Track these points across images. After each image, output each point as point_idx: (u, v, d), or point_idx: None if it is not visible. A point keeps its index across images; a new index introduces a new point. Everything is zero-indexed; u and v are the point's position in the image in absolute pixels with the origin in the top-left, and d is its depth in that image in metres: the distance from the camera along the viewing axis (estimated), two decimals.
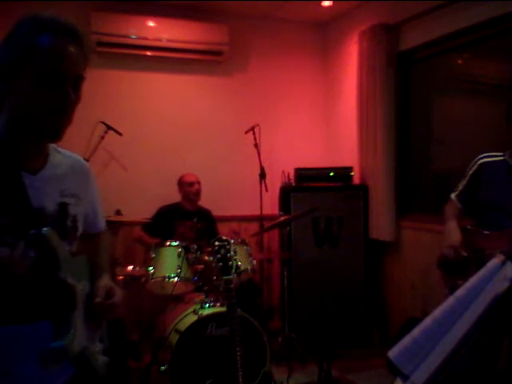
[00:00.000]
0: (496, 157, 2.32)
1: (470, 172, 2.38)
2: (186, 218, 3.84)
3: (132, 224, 3.98)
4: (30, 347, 1.15)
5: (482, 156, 2.36)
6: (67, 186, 1.27)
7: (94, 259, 1.41)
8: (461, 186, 2.44)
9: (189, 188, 3.92)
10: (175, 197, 3.99)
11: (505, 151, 2.30)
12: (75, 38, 1.14)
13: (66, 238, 1.23)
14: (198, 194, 3.95)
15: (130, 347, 3.37)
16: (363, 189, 4.08)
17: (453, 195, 2.47)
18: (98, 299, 1.25)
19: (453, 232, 2.31)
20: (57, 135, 1.18)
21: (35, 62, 1.10)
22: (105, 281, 1.35)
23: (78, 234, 1.31)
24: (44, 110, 1.12)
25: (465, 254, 2.21)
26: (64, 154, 1.32)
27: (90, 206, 1.40)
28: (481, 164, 2.34)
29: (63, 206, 1.24)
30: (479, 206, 2.34)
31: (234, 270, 2.44)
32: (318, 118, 4.86)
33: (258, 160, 4.10)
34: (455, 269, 2.22)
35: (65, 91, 1.13)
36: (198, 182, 3.95)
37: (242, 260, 3.07)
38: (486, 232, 2.20)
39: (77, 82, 1.16)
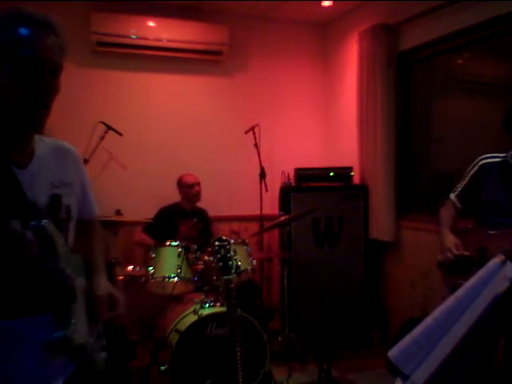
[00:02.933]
0: (497, 158, 2.32)
1: (471, 173, 2.38)
2: (186, 217, 3.85)
3: (132, 224, 3.98)
4: (29, 343, 1.15)
5: (482, 157, 2.36)
6: (57, 177, 1.28)
7: (88, 253, 1.42)
8: (460, 187, 2.44)
9: (189, 190, 3.89)
10: (175, 197, 3.99)
11: (506, 152, 2.31)
12: (51, 29, 1.18)
13: (60, 231, 1.23)
14: (198, 195, 3.92)
15: (128, 347, 3.37)
16: (363, 189, 4.08)
17: (452, 195, 2.47)
18: (104, 315, 1.28)
19: (447, 237, 2.32)
20: (37, 125, 1.20)
21: (14, 52, 1.13)
22: (102, 284, 1.35)
23: (73, 223, 1.31)
24: (23, 100, 1.14)
25: (466, 253, 2.21)
26: (49, 142, 1.33)
27: (79, 190, 1.40)
28: (482, 165, 2.34)
29: (55, 198, 1.25)
30: (480, 206, 2.34)
31: (234, 270, 2.44)
32: (318, 118, 4.86)
33: (258, 160, 4.10)
34: (455, 267, 2.23)
35: (44, 80, 1.15)
36: (198, 183, 3.92)
37: (241, 260, 3.07)
38: (488, 231, 2.20)
39: (55, 70, 1.19)
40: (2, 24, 1.15)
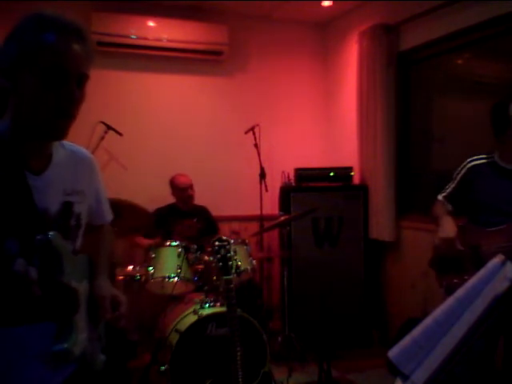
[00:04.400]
0: (484, 159, 2.35)
1: (459, 175, 2.41)
2: (182, 217, 3.84)
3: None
4: (31, 347, 1.15)
5: (470, 160, 2.39)
6: (71, 184, 1.26)
7: (95, 254, 1.41)
8: (449, 189, 2.46)
9: (181, 193, 3.87)
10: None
11: (493, 153, 2.33)
12: (79, 36, 1.13)
13: (68, 238, 1.23)
14: (191, 197, 3.90)
15: (128, 347, 3.37)
16: (363, 189, 4.08)
17: (440, 196, 2.49)
18: (107, 315, 1.27)
19: (447, 225, 2.30)
20: (61, 135, 1.18)
21: (39, 60, 1.08)
22: (105, 286, 1.33)
23: (82, 230, 1.31)
24: (48, 109, 1.10)
25: (461, 248, 2.22)
26: (67, 148, 1.31)
27: (93, 197, 1.39)
28: (470, 167, 2.37)
29: (67, 206, 1.24)
30: (470, 206, 2.36)
31: (234, 270, 2.44)
32: (318, 118, 4.86)
33: (258, 160, 4.10)
34: (449, 265, 2.23)
35: (69, 90, 1.11)
36: (191, 186, 3.88)
37: (242, 260, 3.07)
38: (482, 229, 2.21)
39: (81, 80, 1.15)
40: (26, 29, 1.09)
